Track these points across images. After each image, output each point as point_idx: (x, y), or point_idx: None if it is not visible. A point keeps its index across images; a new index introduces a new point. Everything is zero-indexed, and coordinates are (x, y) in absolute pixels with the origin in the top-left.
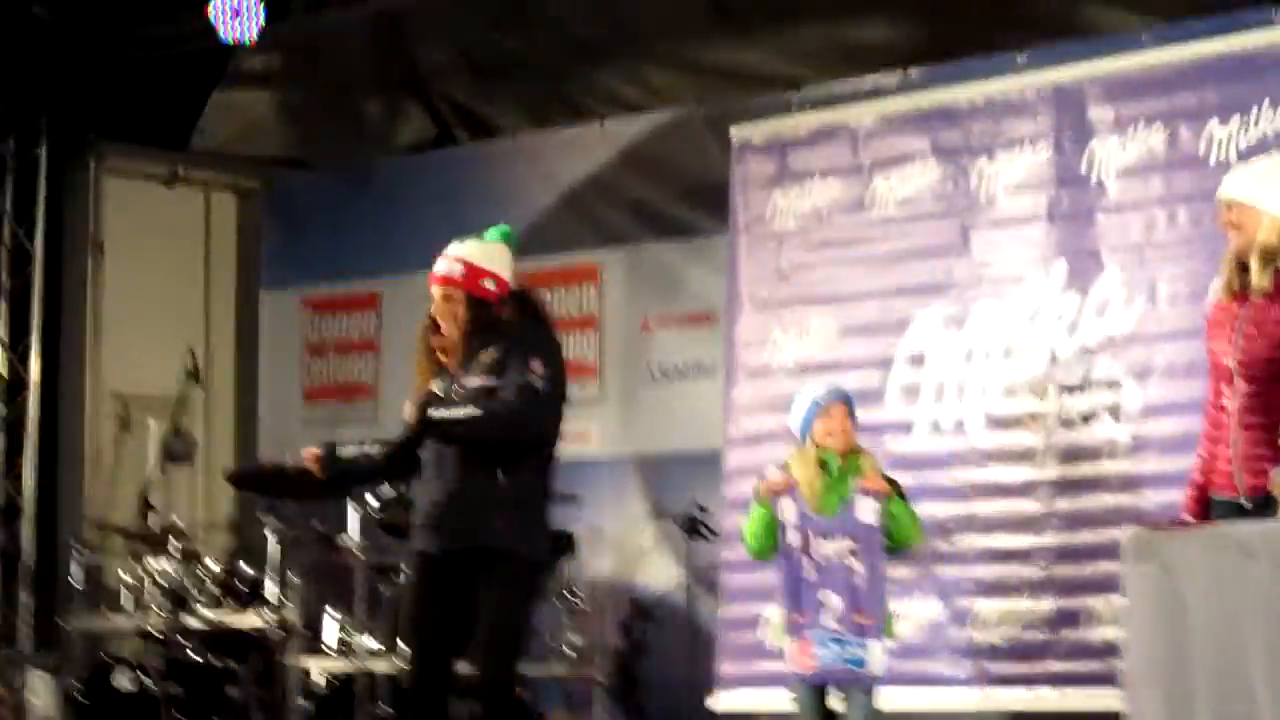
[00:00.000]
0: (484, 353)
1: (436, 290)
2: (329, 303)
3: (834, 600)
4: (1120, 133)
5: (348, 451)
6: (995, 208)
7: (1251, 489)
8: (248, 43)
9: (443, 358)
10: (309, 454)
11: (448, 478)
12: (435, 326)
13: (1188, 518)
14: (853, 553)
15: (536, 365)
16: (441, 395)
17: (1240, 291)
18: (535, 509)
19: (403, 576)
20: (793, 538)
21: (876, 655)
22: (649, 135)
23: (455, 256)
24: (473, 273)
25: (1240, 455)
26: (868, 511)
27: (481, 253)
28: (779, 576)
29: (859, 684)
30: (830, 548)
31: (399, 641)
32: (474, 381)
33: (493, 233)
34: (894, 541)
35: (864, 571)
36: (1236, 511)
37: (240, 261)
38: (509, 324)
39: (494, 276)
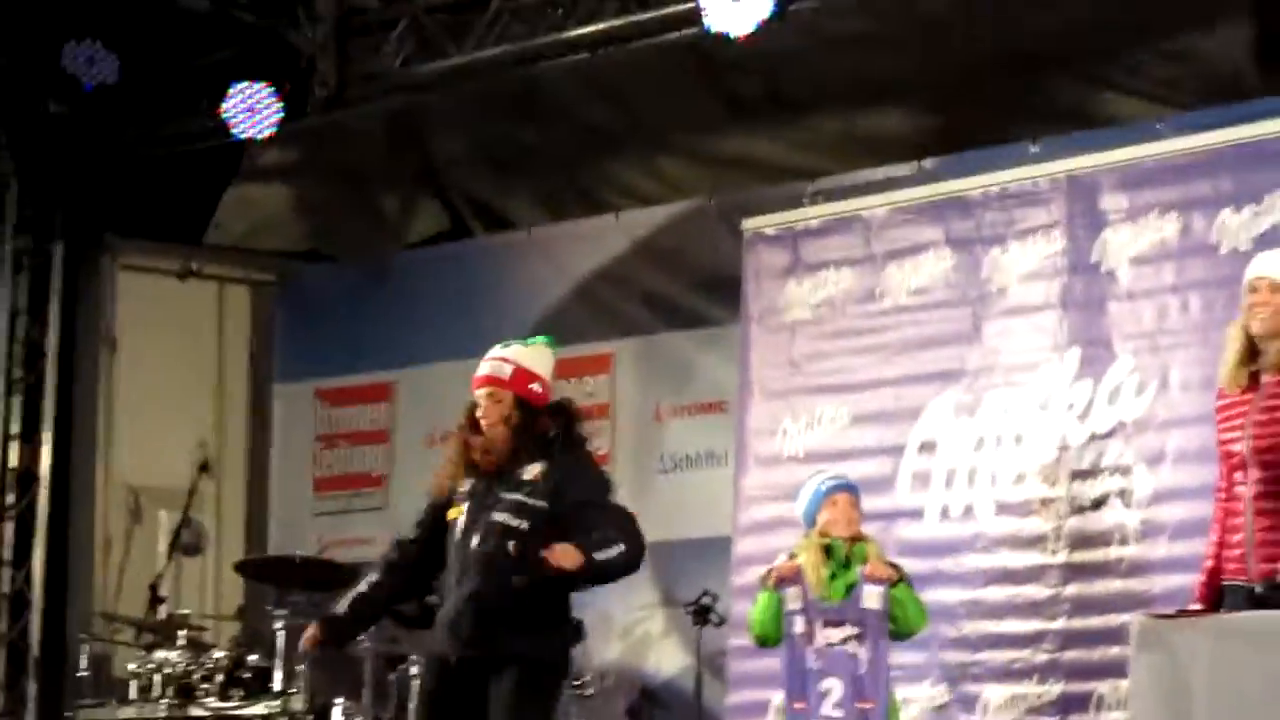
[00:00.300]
0: (530, 468)
1: (482, 391)
2: (342, 394)
3: (836, 688)
4: (1133, 221)
5: (343, 605)
6: (1007, 297)
7: (1263, 574)
8: (261, 139)
9: (476, 457)
10: (308, 639)
11: (472, 584)
12: (474, 426)
13: (1197, 605)
14: (857, 638)
15: (610, 489)
16: (472, 494)
17: (1250, 380)
18: (556, 614)
19: (417, 676)
20: (797, 625)
21: None
22: (663, 227)
23: (502, 358)
24: (521, 375)
25: (1254, 541)
26: (873, 598)
27: (529, 356)
28: (784, 664)
29: None
30: (835, 635)
31: None
32: (515, 496)
33: (538, 338)
34: (898, 627)
35: (867, 658)
36: (1248, 597)
37: (253, 354)
38: (552, 439)
39: (541, 380)
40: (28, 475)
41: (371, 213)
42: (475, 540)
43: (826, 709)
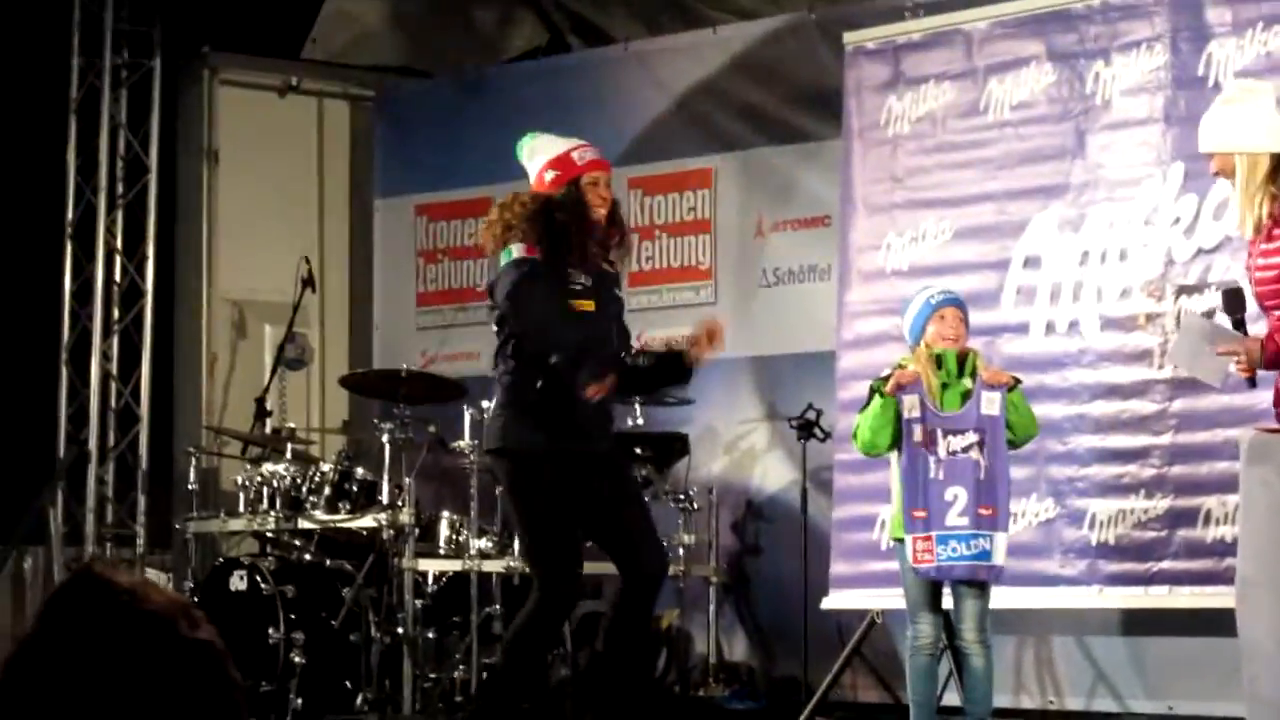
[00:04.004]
0: (611, 263)
1: (603, 176)
2: (442, 209)
3: (961, 495)
4: (1238, 34)
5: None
6: (1111, 111)
7: None
8: None
9: (592, 250)
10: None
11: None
12: (585, 215)
13: None
14: (978, 445)
15: None
16: (596, 291)
17: None
18: None
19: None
20: (916, 433)
21: (1001, 547)
22: (762, 41)
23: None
24: None
25: None
26: (992, 404)
27: None
28: (900, 473)
29: (983, 577)
30: (956, 442)
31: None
32: (619, 295)
33: None
34: (1013, 434)
35: (988, 464)
36: None
37: (353, 169)
38: None
39: None
40: (133, 290)
41: (468, 27)
42: (611, 339)
43: (951, 517)
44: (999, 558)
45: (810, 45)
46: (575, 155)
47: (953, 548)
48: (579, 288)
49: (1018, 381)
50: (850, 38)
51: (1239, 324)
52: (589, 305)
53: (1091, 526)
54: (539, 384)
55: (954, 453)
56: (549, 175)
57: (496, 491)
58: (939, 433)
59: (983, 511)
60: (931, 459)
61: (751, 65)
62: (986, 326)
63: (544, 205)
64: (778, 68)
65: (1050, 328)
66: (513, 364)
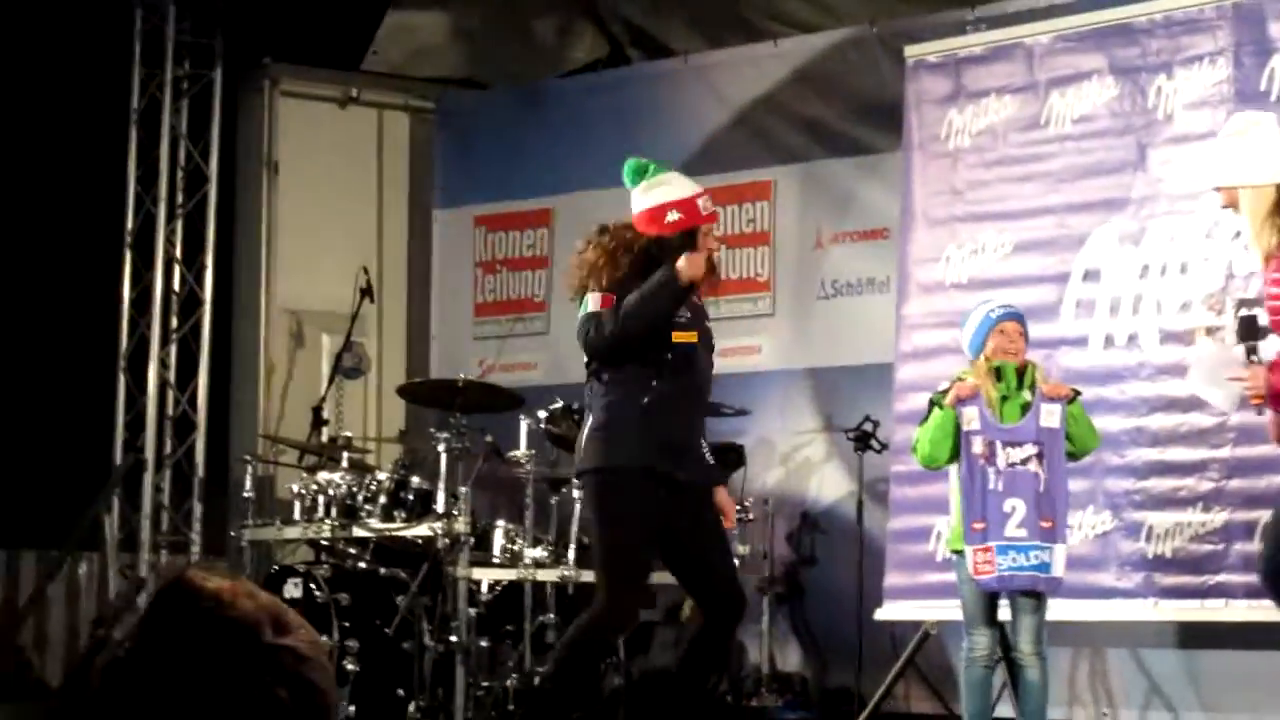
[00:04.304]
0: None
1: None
2: (501, 220)
3: (1020, 508)
4: None
5: None
6: (1173, 125)
7: None
8: None
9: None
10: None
11: (701, 410)
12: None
13: None
14: (1038, 458)
15: None
16: (694, 322)
17: None
18: None
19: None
20: (976, 445)
21: (1060, 559)
22: (823, 54)
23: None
24: None
25: None
26: (1052, 416)
27: None
28: (959, 485)
29: (1042, 589)
30: (1016, 454)
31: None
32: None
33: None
34: (1073, 446)
35: (1047, 477)
36: None
37: (412, 180)
38: None
39: None
40: (191, 299)
41: (528, 39)
42: (702, 367)
43: (1010, 529)
44: (1058, 570)
45: (871, 58)
46: (700, 204)
47: (1013, 558)
48: (682, 320)
49: (1077, 394)
50: (911, 51)
51: (1252, 350)
52: (691, 337)
53: (1148, 539)
54: (644, 401)
55: (1013, 465)
56: (671, 215)
57: (553, 501)
58: (998, 445)
59: (1043, 524)
60: (991, 471)
61: (812, 78)
62: (1046, 340)
63: (657, 245)
64: (838, 80)
65: (1109, 341)
66: (609, 386)
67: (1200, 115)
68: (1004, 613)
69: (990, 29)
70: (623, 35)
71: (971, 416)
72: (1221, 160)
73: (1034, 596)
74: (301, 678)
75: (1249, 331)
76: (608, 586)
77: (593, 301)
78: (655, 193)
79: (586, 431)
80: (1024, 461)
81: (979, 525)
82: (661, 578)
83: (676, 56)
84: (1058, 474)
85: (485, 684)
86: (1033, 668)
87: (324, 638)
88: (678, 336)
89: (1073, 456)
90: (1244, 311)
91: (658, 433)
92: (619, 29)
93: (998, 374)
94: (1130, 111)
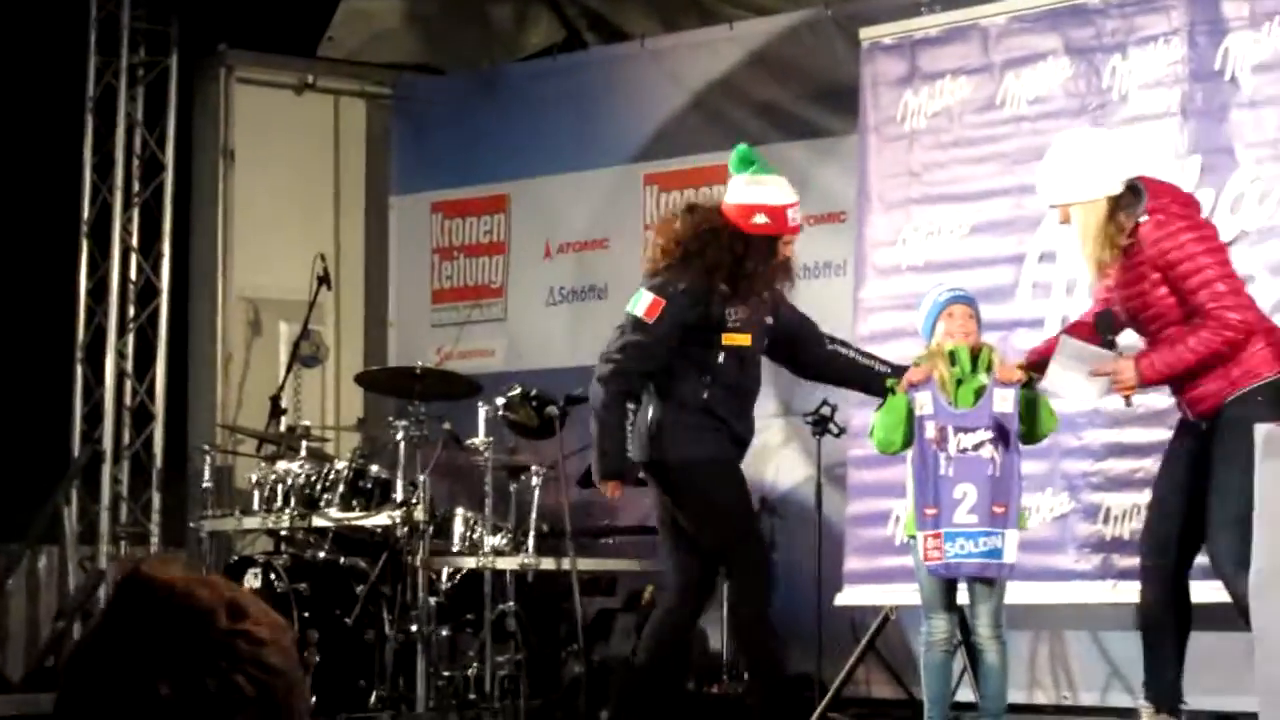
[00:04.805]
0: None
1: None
2: (458, 206)
3: (971, 493)
4: (1255, 28)
5: None
6: (1128, 105)
7: None
8: None
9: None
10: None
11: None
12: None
13: None
14: (990, 443)
15: None
16: (754, 324)
17: None
18: None
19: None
20: (929, 430)
21: (1012, 545)
22: (778, 37)
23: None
24: None
25: None
26: (1005, 401)
27: None
28: (912, 470)
29: (992, 576)
30: (968, 440)
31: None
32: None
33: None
34: (1029, 430)
35: (1000, 462)
36: None
37: (369, 167)
38: None
39: None
40: (149, 288)
41: (484, 24)
42: (753, 368)
43: (960, 515)
44: (1010, 555)
45: (826, 41)
46: (790, 214)
47: (961, 545)
48: (736, 322)
49: (1031, 379)
50: (866, 33)
51: (1110, 344)
52: (744, 340)
53: (1106, 521)
54: (705, 394)
55: (964, 450)
56: (759, 218)
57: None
58: (950, 430)
59: (995, 509)
60: (942, 456)
61: (768, 61)
62: (1002, 321)
63: (738, 241)
64: (794, 64)
65: (1065, 322)
66: (671, 378)
67: (1155, 95)
68: (963, 596)
69: (945, 10)
70: (579, 20)
71: (924, 401)
72: (1054, 178)
73: (987, 583)
74: (259, 661)
75: (1107, 325)
76: (750, 557)
77: (642, 303)
78: (753, 190)
79: (649, 422)
80: (976, 447)
81: (931, 511)
82: (623, 564)
83: (633, 41)
84: (1011, 460)
85: (446, 673)
86: (992, 651)
87: None
88: (729, 339)
89: (1030, 440)
90: (1097, 308)
91: (723, 422)
92: (575, 14)
93: (952, 357)
94: (1085, 92)
